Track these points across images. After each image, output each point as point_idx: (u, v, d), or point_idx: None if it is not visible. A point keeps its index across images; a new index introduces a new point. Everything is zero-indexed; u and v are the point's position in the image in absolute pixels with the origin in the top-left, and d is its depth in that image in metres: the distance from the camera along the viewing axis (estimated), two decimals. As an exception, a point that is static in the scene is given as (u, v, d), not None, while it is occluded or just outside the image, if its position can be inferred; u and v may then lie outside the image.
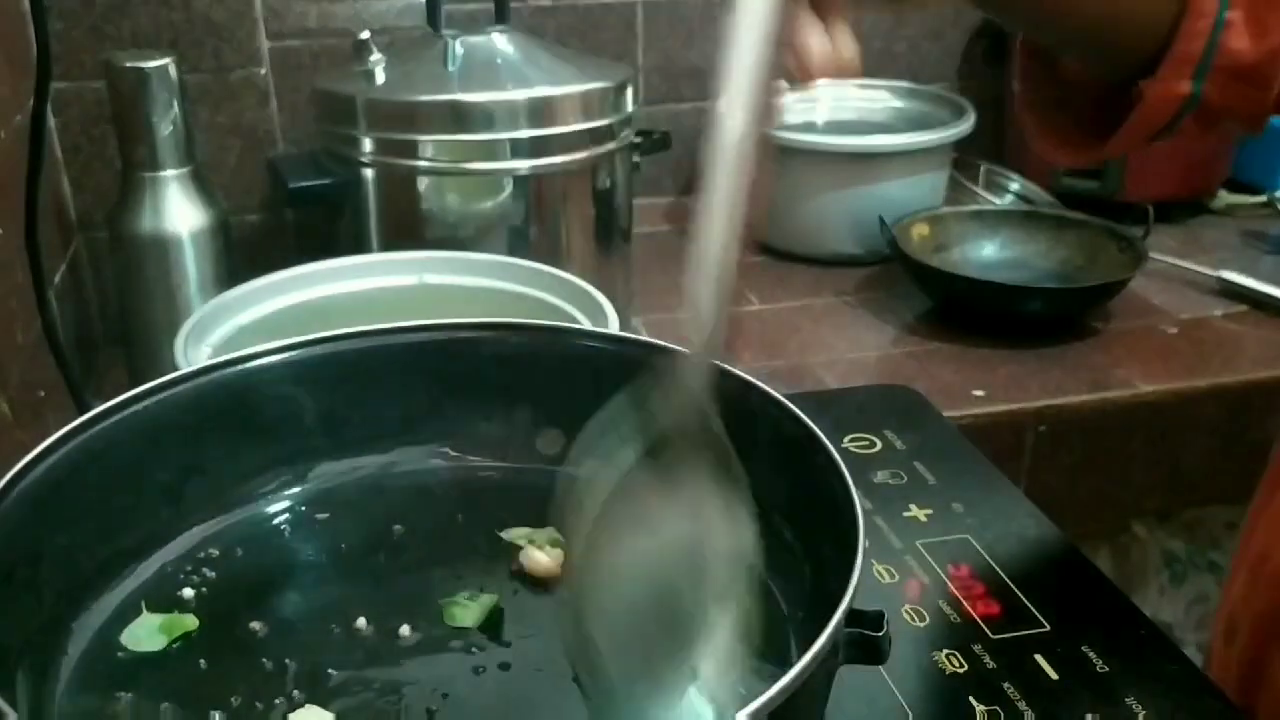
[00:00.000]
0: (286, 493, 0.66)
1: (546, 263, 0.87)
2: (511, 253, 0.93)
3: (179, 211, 0.93)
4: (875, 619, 0.48)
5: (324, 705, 0.51)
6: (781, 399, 0.60)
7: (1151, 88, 0.58)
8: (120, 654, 0.55)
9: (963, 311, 1.09)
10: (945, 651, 0.62)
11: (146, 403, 0.60)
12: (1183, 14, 0.56)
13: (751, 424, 0.61)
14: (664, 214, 1.33)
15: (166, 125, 0.91)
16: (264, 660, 0.55)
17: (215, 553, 0.62)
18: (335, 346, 0.66)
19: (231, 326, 0.80)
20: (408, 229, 0.96)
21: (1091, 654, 0.62)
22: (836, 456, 0.54)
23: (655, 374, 0.43)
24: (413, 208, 0.96)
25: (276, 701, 0.52)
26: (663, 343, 0.66)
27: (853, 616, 0.47)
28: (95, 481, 0.57)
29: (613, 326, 0.76)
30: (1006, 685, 0.59)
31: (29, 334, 0.85)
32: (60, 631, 0.55)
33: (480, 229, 0.96)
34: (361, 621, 0.57)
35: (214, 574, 0.60)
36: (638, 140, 1.06)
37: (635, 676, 0.42)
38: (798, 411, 0.58)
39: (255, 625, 0.57)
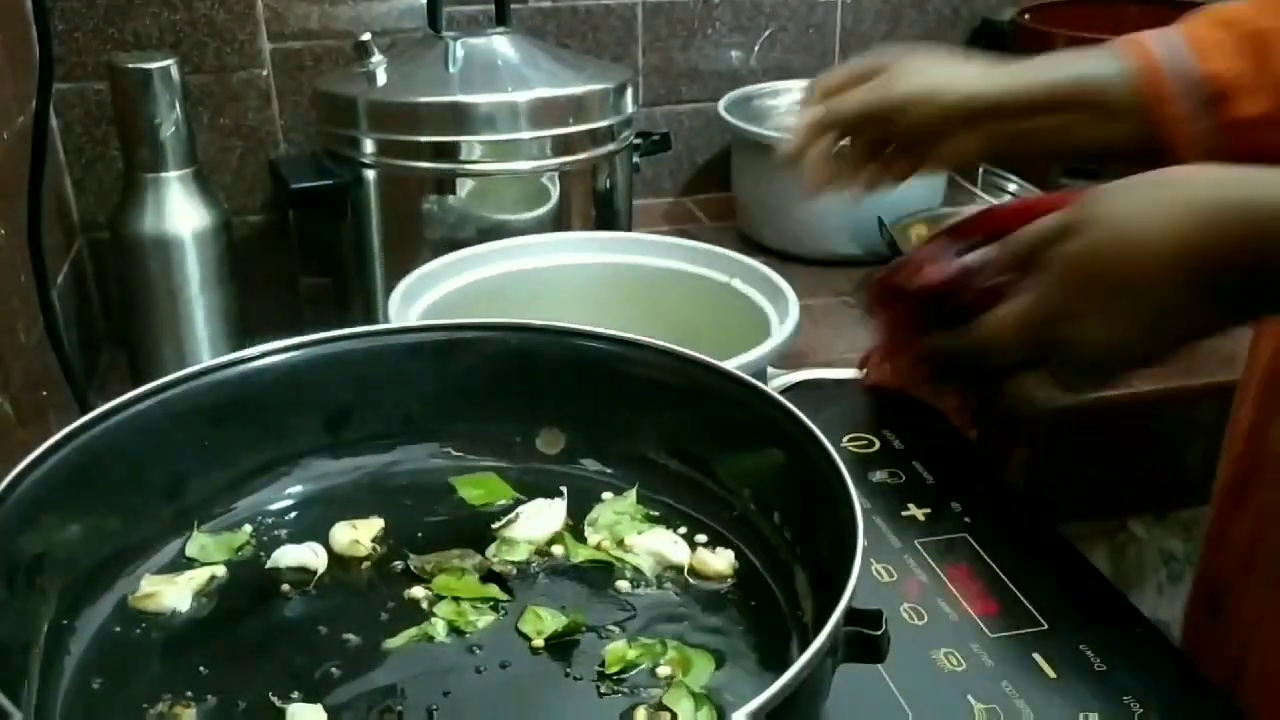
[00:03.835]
0: (287, 491, 0.66)
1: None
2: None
3: (181, 212, 0.93)
4: (874, 618, 0.48)
5: (326, 703, 0.52)
6: (781, 399, 0.60)
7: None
8: (122, 653, 0.55)
9: (961, 312, 1.09)
10: (944, 650, 0.62)
11: (148, 403, 0.60)
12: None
13: (751, 424, 0.62)
14: (664, 214, 1.33)
15: (168, 126, 0.91)
16: (264, 659, 0.55)
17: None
18: (336, 347, 0.66)
19: (436, 294, 0.85)
20: (409, 230, 0.97)
21: (1089, 652, 0.62)
22: (835, 456, 0.55)
23: None
24: (414, 209, 0.96)
25: (276, 700, 0.52)
26: (661, 343, 0.66)
27: (852, 615, 0.47)
28: (97, 481, 0.57)
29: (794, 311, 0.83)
30: (1005, 684, 0.60)
31: (32, 334, 0.85)
32: (63, 630, 0.55)
33: (480, 229, 0.96)
34: (363, 620, 0.57)
35: (215, 573, 0.61)
36: (637, 141, 1.06)
37: None
38: (797, 411, 0.58)
39: (255, 624, 0.58)
